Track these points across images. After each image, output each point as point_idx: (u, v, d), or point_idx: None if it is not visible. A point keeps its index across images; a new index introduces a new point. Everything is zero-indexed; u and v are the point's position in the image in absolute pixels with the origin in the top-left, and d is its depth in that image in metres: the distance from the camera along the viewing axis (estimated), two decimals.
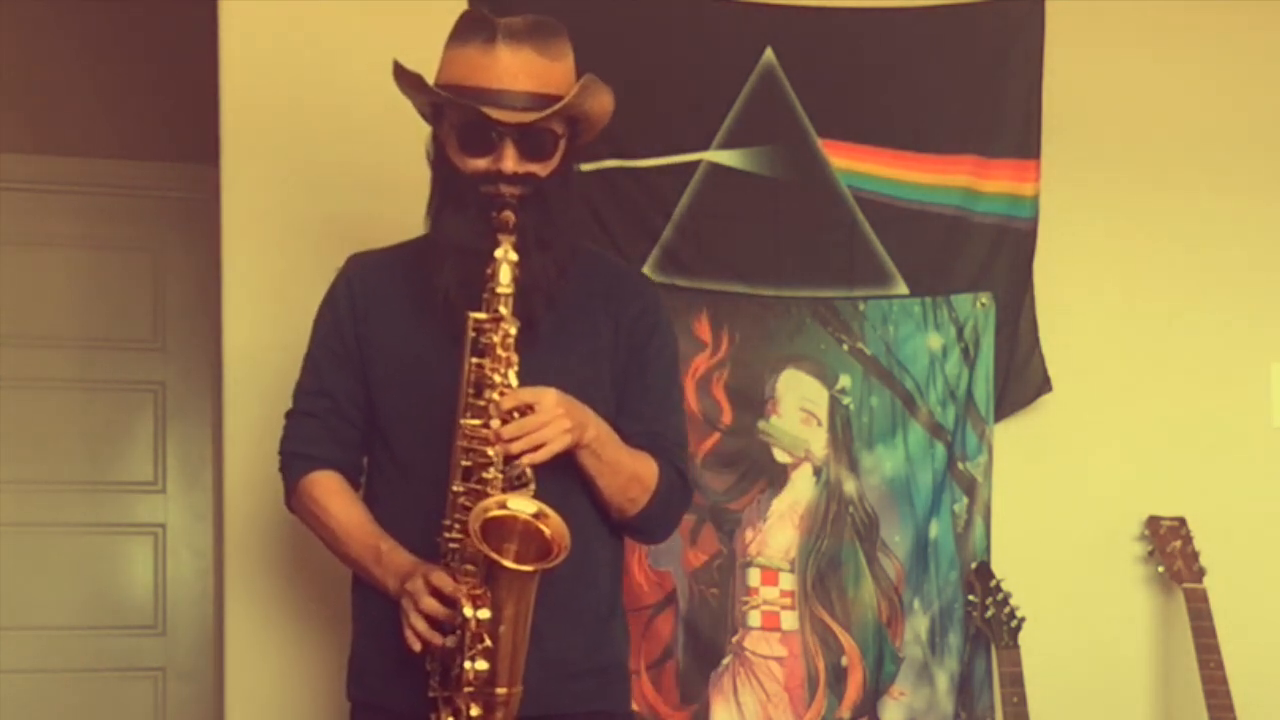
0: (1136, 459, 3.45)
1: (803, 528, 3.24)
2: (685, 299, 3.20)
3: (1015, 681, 3.16)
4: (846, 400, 3.28)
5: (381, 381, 2.44)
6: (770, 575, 3.23)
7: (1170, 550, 3.34)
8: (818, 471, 3.26)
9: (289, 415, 2.52)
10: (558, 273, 2.38)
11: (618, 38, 3.20)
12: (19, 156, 4.39)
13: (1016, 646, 3.19)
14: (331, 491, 2.44)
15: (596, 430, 2.34)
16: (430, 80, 2.38)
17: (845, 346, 3.28)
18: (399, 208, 3.04)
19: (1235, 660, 3.21)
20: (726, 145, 3.25)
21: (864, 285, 3.30)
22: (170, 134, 4.33)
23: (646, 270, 3.17)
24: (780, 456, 3.24)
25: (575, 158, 2.45)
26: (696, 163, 3.22)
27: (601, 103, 2.40)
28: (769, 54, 3.27)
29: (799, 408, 3.26)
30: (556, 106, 2.32)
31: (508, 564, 2.17)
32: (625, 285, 2.54)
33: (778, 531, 3.23)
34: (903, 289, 3.31)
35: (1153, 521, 3.39)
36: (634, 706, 3.07)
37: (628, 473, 2.40)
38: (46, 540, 4.45)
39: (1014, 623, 3.20)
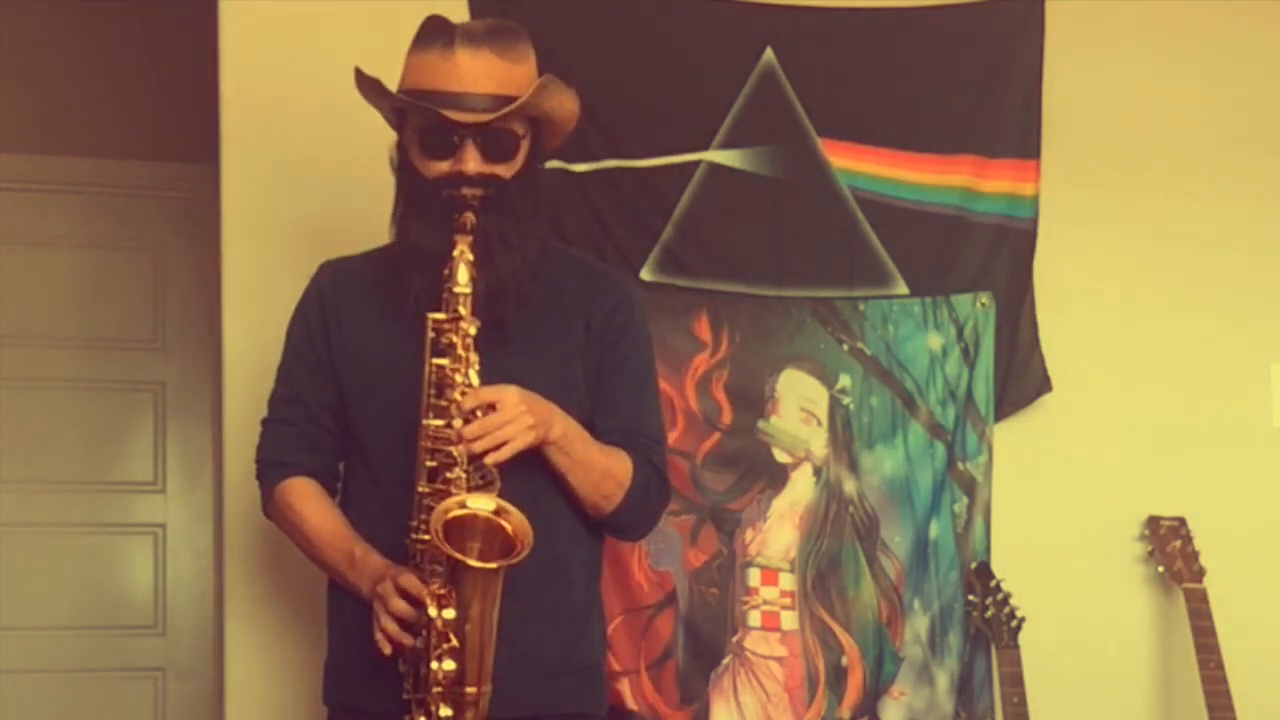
0: (1136, 459, 3.45)
1: (803, 528, 3.24)
2: (685, 299, 3.20)
3: (1015, 681, 3.16)
4: (846, 400, 3.28)
5: (353, 388, 2.44)
6: (770, 575, 3.22)
7: (1170, 550, 3.34)
8: (818, 471, 3.26)
9: (264, 423, 2.53)
10: (526, 274, 2.37)
11: (618, 38, 3.20)
12: (19, 156, 4.39)
13: (1016, 646, 3.19)
14: (306, 497, 2.44)
15: (564, 428, 2.33)
16: (393, 87, 2.38)
17: (845, 346, 3.28)
18: None
19: (1235, 660, 3.21)
20: (726, 145, 3.25)
21: (864, 285, 3.30)
22: (170, 134, 4.33)
23: (646, 270, 3.18)
24: (780, 456, 3.24)
25: (540, 159, 2.44)
26: (696, 163, 3.22)
27: (562, 103, 2.39)
28: (769, 54, 3.27)
29: (799, 408, 3.26)
30: (513, 106, 2.30)
31: (471, 562, 2.18)
32: (597, 283, 2.52)
33: (778, 531, 3.23)
34: (903, 289, 3.31)
35: (1153, 521, 3.39)
36: (633, 706, 3.07)
37: (600, 469, 2.38)
38: (46, 540, 4.45)
39: (1014, 623, 3.20)
